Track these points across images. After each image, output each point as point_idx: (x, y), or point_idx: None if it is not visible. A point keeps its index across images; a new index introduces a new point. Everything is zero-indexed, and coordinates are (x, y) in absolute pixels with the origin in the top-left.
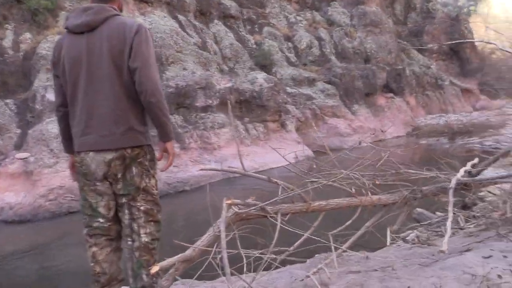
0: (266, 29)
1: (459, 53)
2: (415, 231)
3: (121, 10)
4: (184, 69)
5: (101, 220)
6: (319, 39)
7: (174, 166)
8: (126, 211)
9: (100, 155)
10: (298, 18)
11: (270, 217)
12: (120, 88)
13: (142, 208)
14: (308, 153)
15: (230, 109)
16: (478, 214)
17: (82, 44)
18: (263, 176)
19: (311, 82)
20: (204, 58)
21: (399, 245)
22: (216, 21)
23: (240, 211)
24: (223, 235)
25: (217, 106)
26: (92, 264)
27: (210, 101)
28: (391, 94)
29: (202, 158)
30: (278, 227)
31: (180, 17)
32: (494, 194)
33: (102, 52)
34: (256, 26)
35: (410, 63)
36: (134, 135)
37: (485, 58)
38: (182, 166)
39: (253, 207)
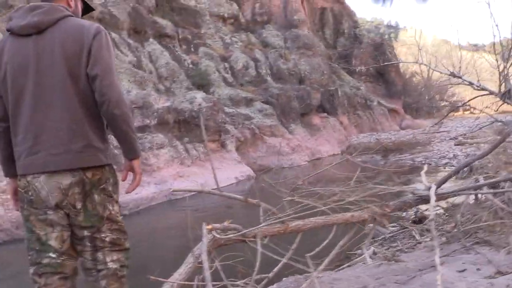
0: (202, 49)
1: (385, 76)
2: (371, 246)
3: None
4: None
5: (52, 255)
6: (255, 60)
7: None
8: (88, 244)
9: (53, 179)
10: (234, 39)
11: (249, 241)
12: (76, 98)
13: (107, 239)
14: (250, 173)
15: (202, 123)
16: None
17: (29, 48)
18: (240, 197)
19: (248, 102)
20: (139, 77)
21: (364, 263)
22: (151, 39)
23: (220, 237)
24: (206, 265)
25: (155, 126)
26: None
27: (148, 121)
28: (325, 114)
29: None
30: (259, 252)
31: (113, 34)
32: (443, 208)
33: (54, 58)
34: (192, 46)
35: (342, 84)
36: (94, 153)
37: (407, 81)
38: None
39: (233, 232)
